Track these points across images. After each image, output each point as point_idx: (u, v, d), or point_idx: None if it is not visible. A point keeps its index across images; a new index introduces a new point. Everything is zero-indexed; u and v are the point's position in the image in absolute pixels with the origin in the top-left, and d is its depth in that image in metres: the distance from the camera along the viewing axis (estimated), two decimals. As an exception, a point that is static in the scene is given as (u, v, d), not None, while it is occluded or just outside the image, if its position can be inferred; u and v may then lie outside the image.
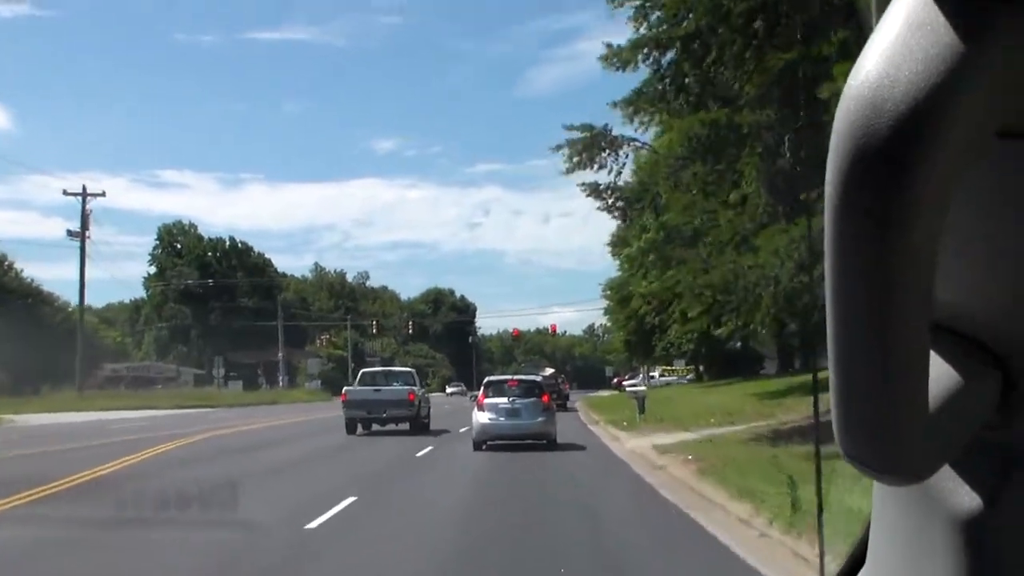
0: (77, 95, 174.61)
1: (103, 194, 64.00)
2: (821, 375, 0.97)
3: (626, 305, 66.79)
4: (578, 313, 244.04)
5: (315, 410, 55.59)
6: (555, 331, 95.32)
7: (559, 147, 34.50)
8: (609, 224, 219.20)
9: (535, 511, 13.74)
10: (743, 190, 28.37)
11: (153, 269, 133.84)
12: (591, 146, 35.09)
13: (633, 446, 24.05)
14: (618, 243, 69.64)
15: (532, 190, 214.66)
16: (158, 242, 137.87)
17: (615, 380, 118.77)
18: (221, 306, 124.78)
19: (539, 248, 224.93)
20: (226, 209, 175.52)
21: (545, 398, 24.99)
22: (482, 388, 25.69)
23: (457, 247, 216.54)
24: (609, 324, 77.61)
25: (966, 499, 0.90)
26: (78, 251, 62.39)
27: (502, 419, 23.63)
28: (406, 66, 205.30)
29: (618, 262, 67.16)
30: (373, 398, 30.40)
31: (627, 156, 38.25)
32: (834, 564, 1.44)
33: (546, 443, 23.93)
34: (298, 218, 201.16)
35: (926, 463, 0.80)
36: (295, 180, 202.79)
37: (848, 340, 0.73)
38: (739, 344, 55.93)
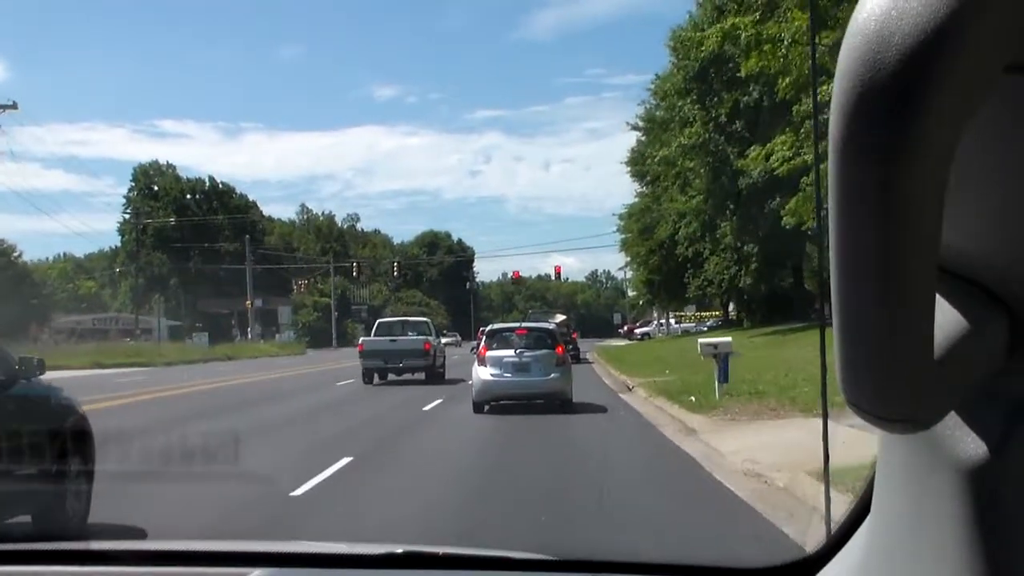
0: (75, 44, 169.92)
1: (14, 105, 50.85)
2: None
3: (649, 236, 54.44)
4: (580, 262, 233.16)
5: (269, 368, 43.45)
6: (559, 272, 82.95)
7: None
8: (615, 153, 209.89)
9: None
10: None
11: (128, 214, 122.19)
12: None
13: (779, 469, 11.23)
14: (638, 160, 57.35)
15: (533, 136, 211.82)
16: (133, 183, 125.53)
17: (624, 327, 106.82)
18: (201, 252, 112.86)
19: (540, 195, 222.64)
20: (227, 158, 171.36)
21: (559, 350, 20.34)
22: (484, 338, 21.36)
23: (459, 195, 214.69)
24: (627, 261, 64.95)
25: (972, 447, 0.87)
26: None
27: (508, 375, 19.55)
28: (405, 10, 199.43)
29: (636, 187, 54.48)
30: (389, 348, 30.00)
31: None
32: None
33: (560, 404, 19.63)
34: (299, 167, 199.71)
35: (931, 411, 0.77)
36: (295, 129, 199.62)
37: (852, 284, 0.70)
38: (791, 281, 43.47)
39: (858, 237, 0.68)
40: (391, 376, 30.49)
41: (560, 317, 51.71)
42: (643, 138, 56.58)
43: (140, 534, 7.53)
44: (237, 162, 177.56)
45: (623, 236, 63.33)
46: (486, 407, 19.29)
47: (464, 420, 18.60)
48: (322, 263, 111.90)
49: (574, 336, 51.78)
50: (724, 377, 18.28)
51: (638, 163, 58.21)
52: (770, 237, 34.55)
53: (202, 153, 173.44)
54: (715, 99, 34.46)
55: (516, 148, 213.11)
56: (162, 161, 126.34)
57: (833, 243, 0.70)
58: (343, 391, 27.97)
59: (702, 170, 35.81)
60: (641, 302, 65.17)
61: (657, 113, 54.60)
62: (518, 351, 19.85)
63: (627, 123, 59.40)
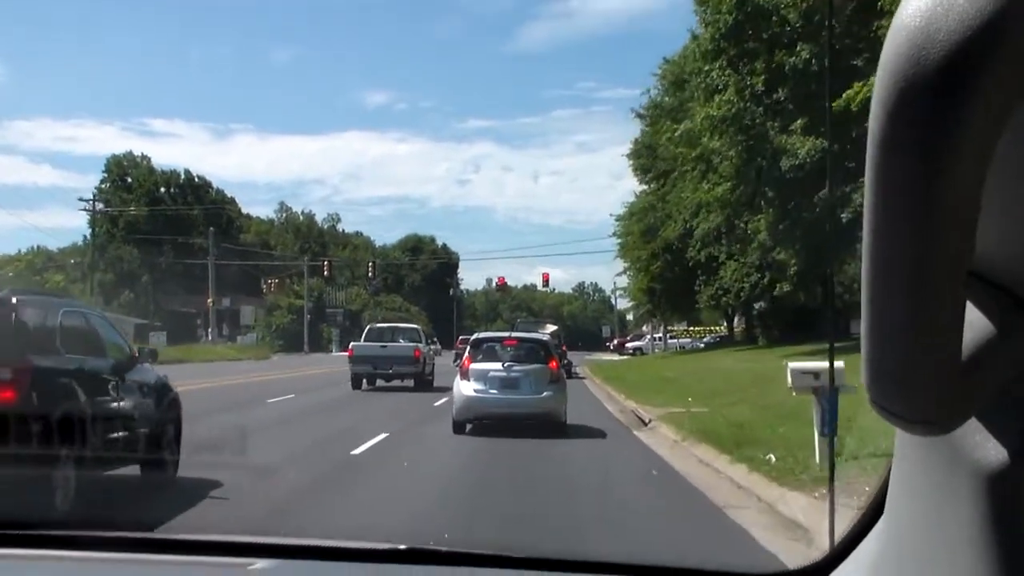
0: (66, 41, 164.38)
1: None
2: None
3: (652, 237, 47.38)
4: (566, 274, 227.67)
5: (213, 374, 36.65)
6: (547, 280, 75.74)
7: None
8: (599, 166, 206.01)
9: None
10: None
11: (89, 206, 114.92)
12: None
13: None
14: (641, 152, 50.38)
15: (522, 147, 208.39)
16: (105, 175, 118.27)
17: (614, 341, 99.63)
18: (174, 247, 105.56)
19: (529, 206, 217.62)
20: (216, 159, 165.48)
21: (553, 364, 17.64)
22: (468, 349, 18.53)
23: (447, 203, 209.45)
24: (625, 267, 57.57)
25: (992, 452, 0.84)
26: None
27: (494, 391, 16.86)
28: (399, 18, 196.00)
29: (636, 186, 47.43)
30: (379, 354, 29.67)
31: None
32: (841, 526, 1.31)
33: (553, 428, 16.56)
34: (288, 171, 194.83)
35: (954, 414, 0.76)
36: (285, 132, 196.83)
37: (884, 283, 0.69)
38: (820, 291, 36.36)
39: (894, 235, 0.66)
40: (380, 382, 29.82)
41: (551, 328, 45.13)
42: (647, 128, 49.75)
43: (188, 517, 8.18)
44: (226, 163, 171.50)
45: (620, 240, 56.17)
46: (468, 426, 16.94)
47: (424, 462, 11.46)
48: (294, 262, 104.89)
49: (563, 349, 44.92)
50: (830, 426, 10.87)
51: (642, 156, 51.25)
52: (813, 234, 27.47)
53: (191, 153, 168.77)
54: (751, 63, 27.37)
55: (505, 158, 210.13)
56: (137, 153, 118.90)
57: (867, 240, 0.68)
58: (266, 413, 20.79)
59: (732, 150, 28.82)
60: (641, 312, 57.44)
61: (664, 99, 47.82)
62: (506, 364, 17.43)
63: (631, 110, 52.24)
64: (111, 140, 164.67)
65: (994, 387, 0.80)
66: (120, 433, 10.07)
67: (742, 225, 32.10)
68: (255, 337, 79.36)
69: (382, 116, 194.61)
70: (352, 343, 32.30)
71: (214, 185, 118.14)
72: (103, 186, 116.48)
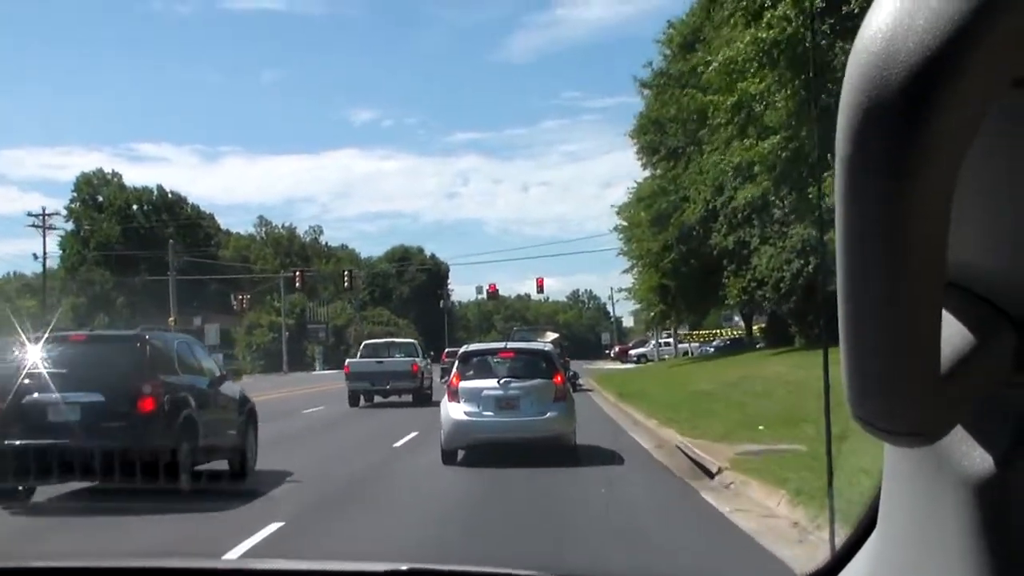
0: (53, 68, 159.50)
1: None
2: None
3: (663, 227, 39.97)
4: (559, 282, 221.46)
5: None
6: (541, 285, 68.33)
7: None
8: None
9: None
10: None
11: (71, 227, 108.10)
12: None
13: None
14: (646, 128, 43.08)
15: (511, 159, 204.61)
16: (75, 194, 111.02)
17: (615, 349, 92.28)
18: (150, 267, 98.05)
19: (520, 217, 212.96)
20: (205, 181, 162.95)
21: (558, 378, 14.76)
22: (456, 364, 15.48)
23: (437, 217, 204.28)
24: (631, 264, 49.59)
25: (978, 461, 0.84)
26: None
27: (489, 413, 14.38)
28: (383, 34, 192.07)
29: (638, 170, 39.98)
30: (376, 370, 29.10)
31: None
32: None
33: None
34: (277, 191, 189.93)
35: (938, 425, 0.75)
36: (273, 152, 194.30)
37: (859, 298, 0.68)
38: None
39: (865, 252, 0.66)
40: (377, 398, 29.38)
41: (552, 335, 37.65)
42: (652, 99, 42.42)
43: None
44: (215, 185, 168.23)
45: (623, 234, 48.38)
46: (458, 455, 14.33)
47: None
48: (270, 276, 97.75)
49: (566, 359, 37.74)
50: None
51: (648, 132, 43.81)
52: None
53: (180, 176, 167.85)
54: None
55: (494, 170, 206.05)
56: (136, 187, 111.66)
57: (840, 257, 0.68)
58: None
59: (784, 90, 21.61)
60: (653, 314, 49.42)
61: (672, 67, 40.63)
62: (503, 381, 14.68)
63: (634, 78, 44.70)
64: (100, 166, 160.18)
65: (978, 396, 0.79)
66: (217, 433, 12.47)
67: (789, 197, 24.75)
68: (221, 358, 71.79)
69: (369, 133, 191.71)
70: (348, 360, 31.50)
71: (190, 201, 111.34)
72: (72, 205, 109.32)
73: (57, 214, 76.01)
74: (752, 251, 31.54)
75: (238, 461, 13.11)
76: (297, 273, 63.67)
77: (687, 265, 40.11)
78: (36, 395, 11.14)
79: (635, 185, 46.82)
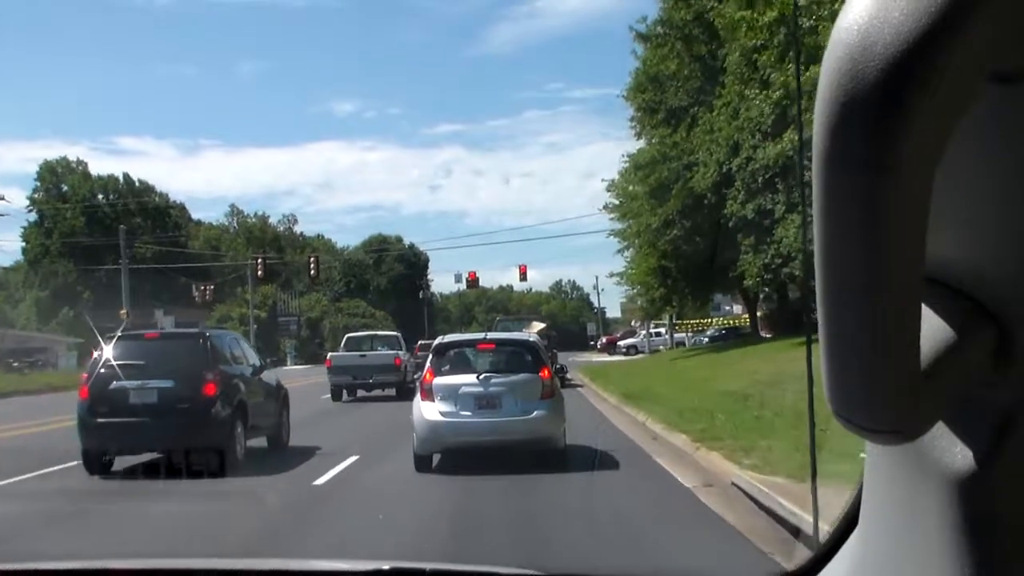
0: (31, 61, 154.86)
1: None
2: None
3: (664, 199, 34.44)
4: (541, 274, 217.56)
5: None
6: (524, 273, 62.93)
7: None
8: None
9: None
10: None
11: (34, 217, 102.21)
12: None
13: None
14: (644, 86, 37.47)
15: (493, 150, 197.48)
16: (38, 183, 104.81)
17: (602, 340, 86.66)
18: (114, 258, 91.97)
19: (502, 208, 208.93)
20: (186, 175, 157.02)
21: (544, 372, 13.15)
22: (430, 357, 13.69)
23: (419, 209, 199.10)
24: (624, 245, 43.87)
25: (960, 458, 0.83)
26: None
27: (467, 413, 12.81)
28: (364, 26, 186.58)
29: (629, 142, 34.26)
30: (359, 363, 28.36)
31: None
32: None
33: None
34: (259, 184, 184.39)
35: (919, 422, 0.74)
36: (255, 145, 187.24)
37: (838, 295, 0.67)
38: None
39: (843, 248, 0.65)
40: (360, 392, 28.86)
41: (538, 325, 32.56)
42: (651, 55, 36.83)
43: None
44: (196, 179, 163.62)
45: (615, 212, 42.61)
46: (433, 462, 12.68)
47: None
48: (228, 265, 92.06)
49: (554, 353, 32.59)
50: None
51: (646, 90, 38.16)
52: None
53: (161, 169, 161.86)
54: None
55: (476, 162, 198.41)
56: (72, 158, 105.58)
57: (818, 253, 0.67)
58: None
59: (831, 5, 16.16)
60: (654, 297, 43.28)
61: (675, 14, 35.09)
62: (482, 376, 13.08)
63: (630, 28, 38.98)
64: (81, 159, 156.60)
65: (958, 392, 0.78)
66: (261, 413, 14.57)
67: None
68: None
69: (351, 125, 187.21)
70: (330, 353, 30.92)
71: (164, 191, 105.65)
72: (35, 195, 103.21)
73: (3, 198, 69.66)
74: (776, 221, 26.20)
75: (275, 438, 15.43)
76: (259, 261, 57.48)
77: (691, 243, 34.55)
78: (120, 382, 13.18)
79: (626, 160, 41.35)
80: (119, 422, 12.88)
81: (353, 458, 13.89)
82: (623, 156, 41.82)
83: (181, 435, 12.61)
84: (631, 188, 40.17)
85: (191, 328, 15.53)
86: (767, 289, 32.40)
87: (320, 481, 12.15)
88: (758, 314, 46.19)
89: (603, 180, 60.20)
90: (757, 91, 25.79)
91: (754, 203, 27.19)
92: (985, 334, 0.78)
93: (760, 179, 26.42)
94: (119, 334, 14.49)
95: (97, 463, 13.12)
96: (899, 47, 0.59)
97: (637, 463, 12.74)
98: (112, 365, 13.30)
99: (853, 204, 0.62)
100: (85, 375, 13.85)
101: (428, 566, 2.36)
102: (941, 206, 0.66)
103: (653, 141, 38.21)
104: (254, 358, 15.73)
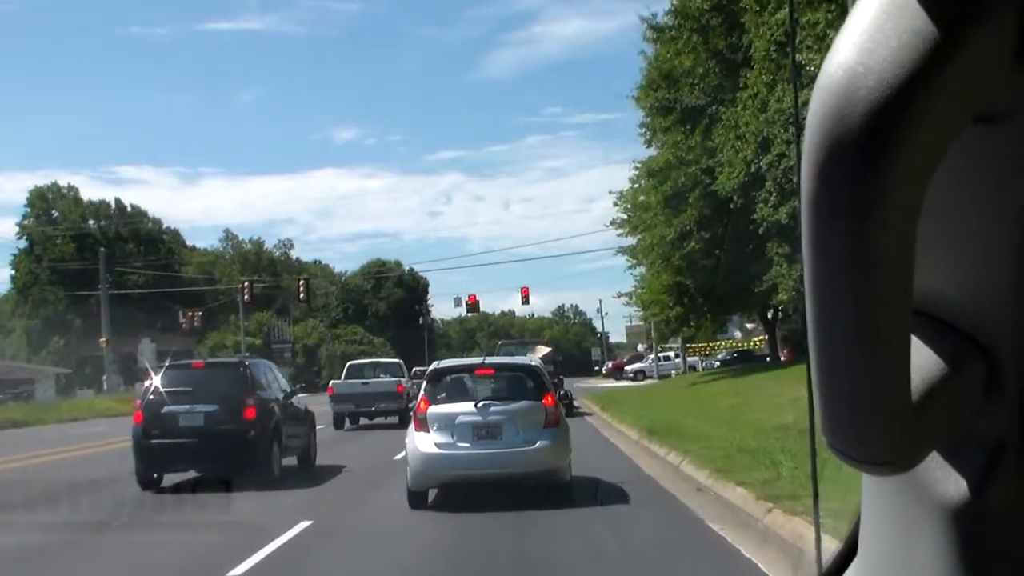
0: (32, 91, 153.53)
1: None
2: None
3: (680, 208, 30.89)
4: (543, 300, 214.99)
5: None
6: (527, 295, 59.47)
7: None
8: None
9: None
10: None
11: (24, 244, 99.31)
12: None
13: None
14: (656, 83, 33.91)
15: (493, 176, 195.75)
16: (28, 209, 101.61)
17: (608, 365, 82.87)
18: (108, 287, 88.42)
19: (502, 234, 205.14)
20: (186, 203, 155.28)
21: (548, 399, 12.35)
22: (425, 384, 12.93)
23: (419, 235, 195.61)
24: (632, 264, 40.19)
25: (953, 488, 0.84)
26: None
27: (465, 444, 12.05)
28: (363, 54, 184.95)
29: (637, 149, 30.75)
30: (361, 391, 28.27)
31: None
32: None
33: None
34: (259, 212, 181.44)
35: (912, 453, 0.75)
36: (254, 173, 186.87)
37: (829, 331, 0.68)
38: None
39: (833, 288, 0.66)
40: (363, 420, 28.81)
41: (543, 349, 29.98)
42: (664, 50, 33.39)
43: None
44: (195, 207, 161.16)
45: (623, 227, 38.90)
46: (428, 498, 12.05)
47: None
48: (217, 290, 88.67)
49: (560, 378, 29.21)
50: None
51: (657, 87, 34.45)
52: None
53: (161, 198, 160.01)
54: None
55: (476, 188, 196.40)
56: (63, 184, 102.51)
57: (809, 291, 0.68)
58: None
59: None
60: (670, 316, 39.32)
61: (691, 3, 31.68)
62: (481, 404, 12.25)
63: (639, 16, 35.49)
64: (81, 189, 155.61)
65: (951, 422, 0.79)
66: (293, 435, 15.89)
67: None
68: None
69: (351, 152, 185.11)
70: (332, 381, 31.07)
71: (164, 221, 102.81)
72: (26, 222, 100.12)
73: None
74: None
75: (305, 457, 16.88)
76: (247, 285, 53.90)
77: (710, 256, 30.94)
78: (169, 407, 14.60)
79: (637, 167, 37.80)
80: (170, 443, 14.32)
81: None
82: (633, 163, 38.34)
83: (225, 455, 14.16)
84: (642, 198, 36.68)
85: (231, 358, 18.19)
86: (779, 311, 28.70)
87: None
88: (776, 336, 42.53)
89: (611, 192, 56.52)
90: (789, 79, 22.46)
91: (788, 205, 23.78)
92: (976, 366, 0.78)
93: (795, 178, 23.02)
94: (167, 364, 16.18)
95: (150, 480, 14.50)
96: (883, 93, 0.60)
97: (679, 527, 9.13)
98: (162, 392, 14.74)
99: (840, 245, 0.63)
100: (138, 401, 15.40)
101: None
102: (928, 241, 0.67)
103: (667, 145, 34.62)
104: (285, 384, 17.38)
